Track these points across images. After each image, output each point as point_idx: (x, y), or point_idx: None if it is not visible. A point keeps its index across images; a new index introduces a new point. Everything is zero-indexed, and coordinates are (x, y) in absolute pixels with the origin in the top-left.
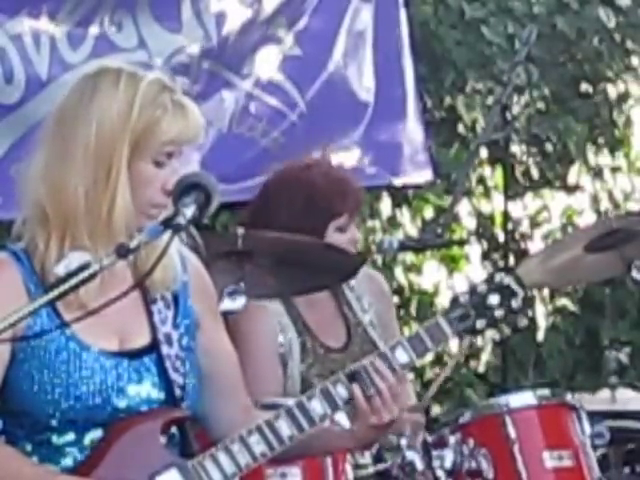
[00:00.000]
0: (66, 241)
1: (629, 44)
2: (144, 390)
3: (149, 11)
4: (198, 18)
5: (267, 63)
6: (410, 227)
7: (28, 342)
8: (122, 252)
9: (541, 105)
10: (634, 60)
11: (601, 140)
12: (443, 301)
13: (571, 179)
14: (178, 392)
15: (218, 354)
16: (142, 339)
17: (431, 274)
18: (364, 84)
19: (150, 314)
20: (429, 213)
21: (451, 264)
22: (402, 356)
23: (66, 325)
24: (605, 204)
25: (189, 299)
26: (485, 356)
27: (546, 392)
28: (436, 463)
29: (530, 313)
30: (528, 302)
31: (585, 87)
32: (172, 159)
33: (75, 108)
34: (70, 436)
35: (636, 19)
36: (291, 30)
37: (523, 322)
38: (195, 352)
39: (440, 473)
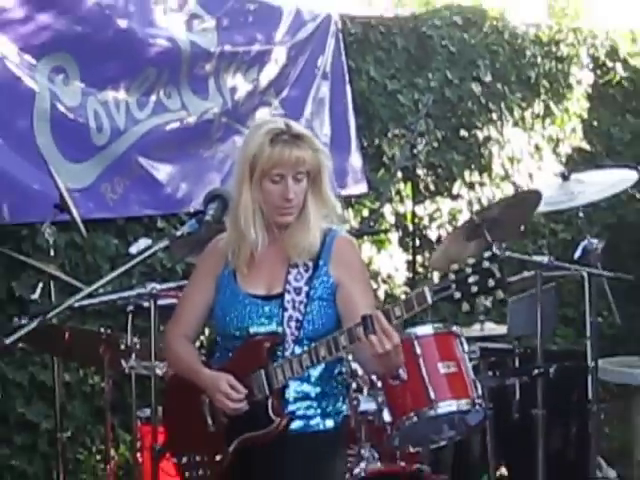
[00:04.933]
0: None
1: (490, 105)
2: (268, 323)
3: (188, 86)
4: (219, 90)
5: (266, 115)
6: (353, 222)
7: (219, 283)
8: (172, 238)
9: (435, 144)
10: (494, 115)
11: (473, 166)
12: (374, 268)
13: (454, 191)
14: (293, 325)
15: (350, 303)
16: (277, 289)
17: (366, 252)
18: (323, 132)
19: (288, 274)
20: (365, 213)
21: (379, 245)
22: (398, 311)
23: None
24: (476, 207)
25: (327, 265)
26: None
27: (439, 325)
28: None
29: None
30: (501, 282)
31: (463, 133)
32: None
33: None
34: (229, 342)
35: (495, 89)
36: (277, 97)
37: (500, 295)
38: (331, 303)
39: (373, 377)
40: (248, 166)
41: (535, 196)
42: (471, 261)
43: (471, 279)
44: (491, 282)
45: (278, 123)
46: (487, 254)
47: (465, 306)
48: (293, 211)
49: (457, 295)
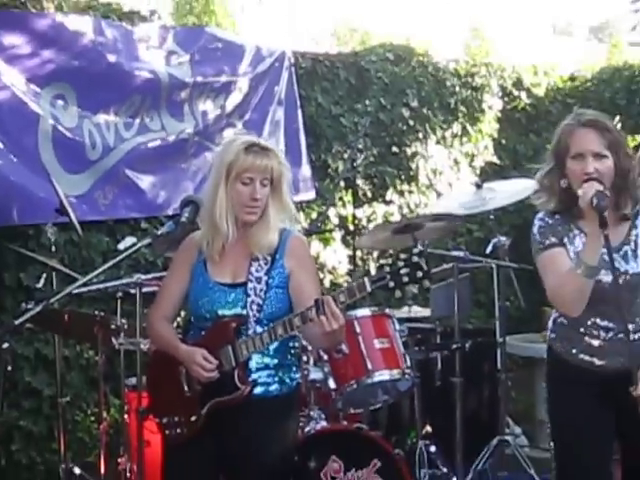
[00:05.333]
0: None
1: (417, 126)
2: (234, 307)
3: (166, 110)
4: (192, 114)
5: (232, 134)
6: (304, 223)
7: (193, 273)
8: (153, 236)
9: (372, 158)
10: (420, 135)
11: (403, 177)
12: (321, 262)
13: (387, 197)
14: (255, 309)
15: (301, 290)
16: (241, 278)
17: (314, 248)
18: (279, 148)
19: (250, 266)
20: (314, 215)
21: (325, 242)
22: (342, 297)
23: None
24: (405, 210)
25: (282, 258)
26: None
27: (375, 308)
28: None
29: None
30: (427, 274)
31: (394, 149)
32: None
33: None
34: (201, 323)
35: (421, 113)
36: (241, 120)
37: (426, 284)
38: (285, 290)
39: (321, 351)
40: (225, 170)
41: (457, 219)
42: (403, 256)
43: (403, 271)
44: (419, 273)
45: (251, 137)
46: (416, 250)
47: (398, 293)
48: (257, 210)
49: (391, 284)
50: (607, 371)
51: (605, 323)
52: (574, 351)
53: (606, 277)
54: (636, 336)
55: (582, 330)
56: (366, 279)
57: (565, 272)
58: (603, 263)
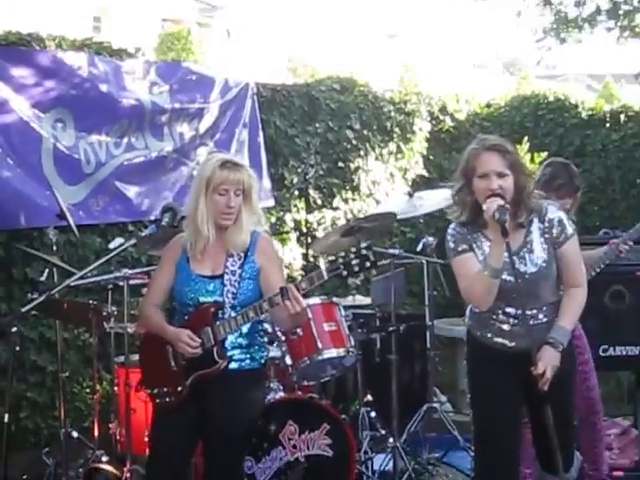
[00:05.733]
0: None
1: (359, 145)
2: (213, 295)
3: (149, 132)
4: (171, 135)
5: (201, 155)
6: (265, 226)
7: (178, 268)
8: (138, 237)
9: (321, 172)
10: (361, 152)
11: (347, 187)
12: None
13: (334, 205)
14: (230, 296)
15: (269, 281)
16: (219, 271)
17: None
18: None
19: (226, 261)
20: (273, 220)
21: (282, 242)
22: (304, 284)
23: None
24: (349, 216)
25: (253, 255)
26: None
27: (325, 297)
28: (277, 328)
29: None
30: (374, 264)
31: (340, 164)
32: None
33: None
34: (185, 309)
35: (362, 135)
36: (212, 140)
37: (373, 272)
38: (256, 280)
39: (279, 333)
40: (204, 184)
41: (392, 216)
42: (353, 250)
43: (354, 262)
44: (367, 264)
45: (224, 155)
46: (364, 245)
47: (350, 280)
48: (232, 216)
49: (344, 273)
50: (516, 350)
51: (511, 311)
52: (489, 335)
53: (509, 276)
54: (536, 322)
55: (493, 317)
56: (323, 269)
57: (474, 274)
58: (506, 265)
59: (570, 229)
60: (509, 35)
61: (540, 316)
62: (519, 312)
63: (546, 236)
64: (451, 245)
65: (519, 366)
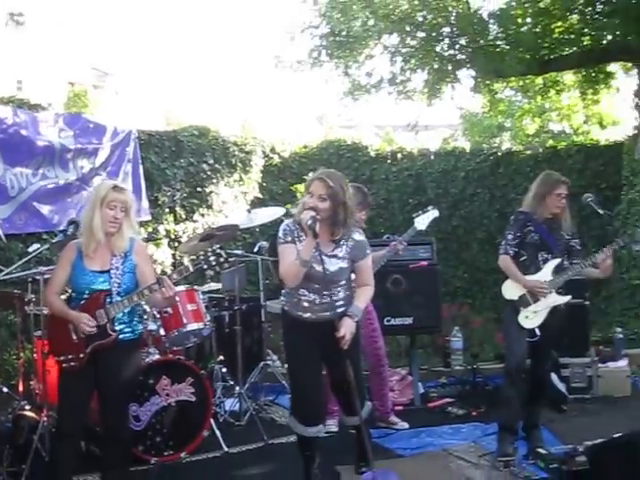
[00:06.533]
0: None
1: (212, 175)
2: (103, 284)
3: (59, 165)
4: (75, 168)
5: (97, 182)
6: (144, 234)
7: (74, 265)
8: (50, 243)
9: (185, 195)
10: (214, 180)
11: (204, 206)
12: (155, 258)
13: (195, 218)
14: (116, 286)
15: (143, 275)
16: (106, 267)
17: (151, 249)
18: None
19: (112, 259)
20: (150, 229)
21: (156, 246)
22: (175, 276)
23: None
24: (206, 226)
25: (131, 255)
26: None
27: (188, 285)
28: (153, 308)
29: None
30: (226, 260)
31: (199, 189)
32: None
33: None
34: (80, 296)
35: (215, 167)
36: (105, 171)
37: (225, 266)
38: (134, 274)
39: (155, 312)
40: (99, 200)
41: (235, 227)
42: (210, 249)
43: (211, 258)
44: (221, 259)
45: (114, 182)
46: (217, 246)
47: (209, 272)
48: (117, 226)
49: (205, 266)
50: (318, 321)
51: (313, 293)
52: (295, 309)
53: (318, 267)
54: (335, 300)
55: (299, 295)
56: (189, 264)
57: (290, 261)
58: (315, 259)
59: (367, 250)
60: (319, 95)
61: (340, 295)
62: (316, 294)
63: (349, 251)
64: (281, 235)
65: (320, 332)
